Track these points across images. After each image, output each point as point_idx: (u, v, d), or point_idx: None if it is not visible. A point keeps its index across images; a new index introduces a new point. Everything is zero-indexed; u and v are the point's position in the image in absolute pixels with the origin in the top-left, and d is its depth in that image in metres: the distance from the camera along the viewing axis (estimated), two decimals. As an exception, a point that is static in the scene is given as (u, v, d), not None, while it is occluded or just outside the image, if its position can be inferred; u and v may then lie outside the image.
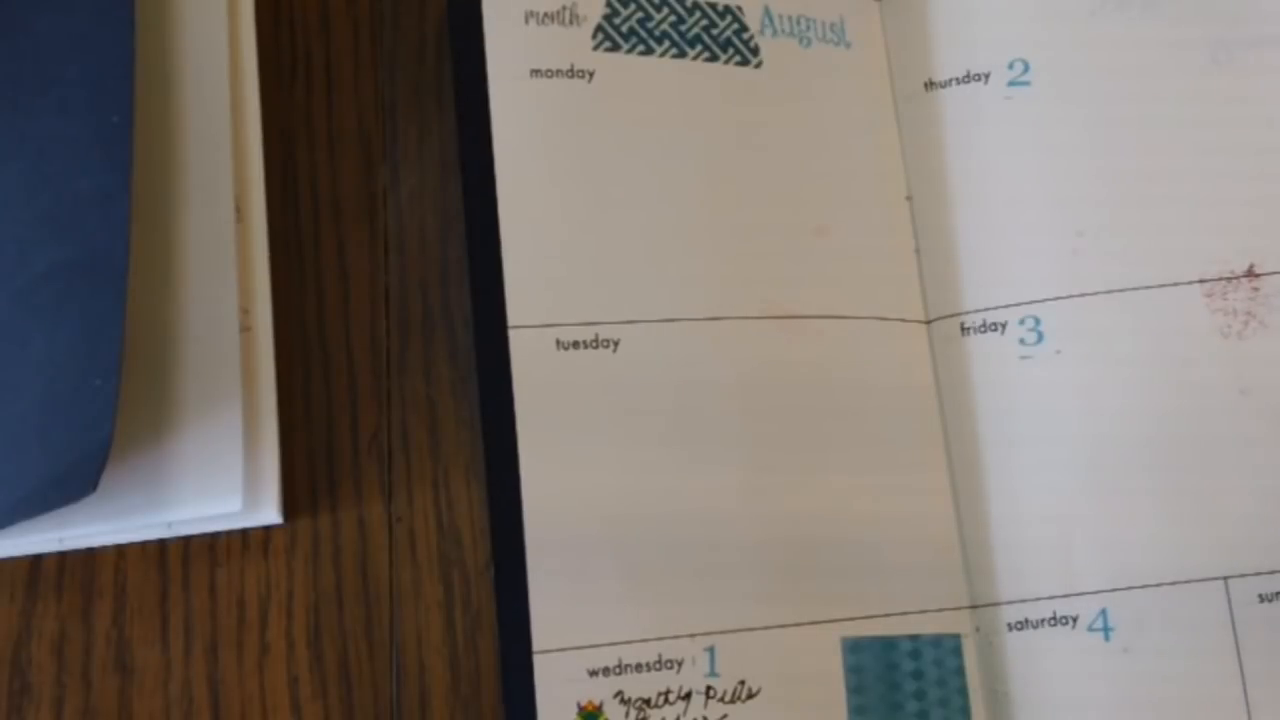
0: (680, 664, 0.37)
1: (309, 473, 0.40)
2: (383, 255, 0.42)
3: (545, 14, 0.41)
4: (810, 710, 0.38)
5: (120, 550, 0.39)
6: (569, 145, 0.41)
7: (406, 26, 0.44)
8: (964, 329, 0.41)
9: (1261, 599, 0.39)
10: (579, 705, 0.37)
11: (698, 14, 0.43)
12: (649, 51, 0.42)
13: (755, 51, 0.43)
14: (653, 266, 0.40)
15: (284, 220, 0.42)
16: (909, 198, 0.43)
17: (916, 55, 0.43)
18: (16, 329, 0.36)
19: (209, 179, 0.40)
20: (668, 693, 0.37)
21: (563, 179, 0.40)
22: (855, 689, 0.38)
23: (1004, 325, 0.41)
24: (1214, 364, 0.40)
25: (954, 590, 0.40)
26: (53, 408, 0.35)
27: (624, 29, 0.42)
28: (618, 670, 0.37)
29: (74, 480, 0.34)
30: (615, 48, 0.42)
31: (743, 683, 0.38)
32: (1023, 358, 0.40)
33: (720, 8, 0.43)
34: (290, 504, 0.39)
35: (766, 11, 0.43)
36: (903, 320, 0.42)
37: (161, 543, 0.39)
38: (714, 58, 0.42)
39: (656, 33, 0.42)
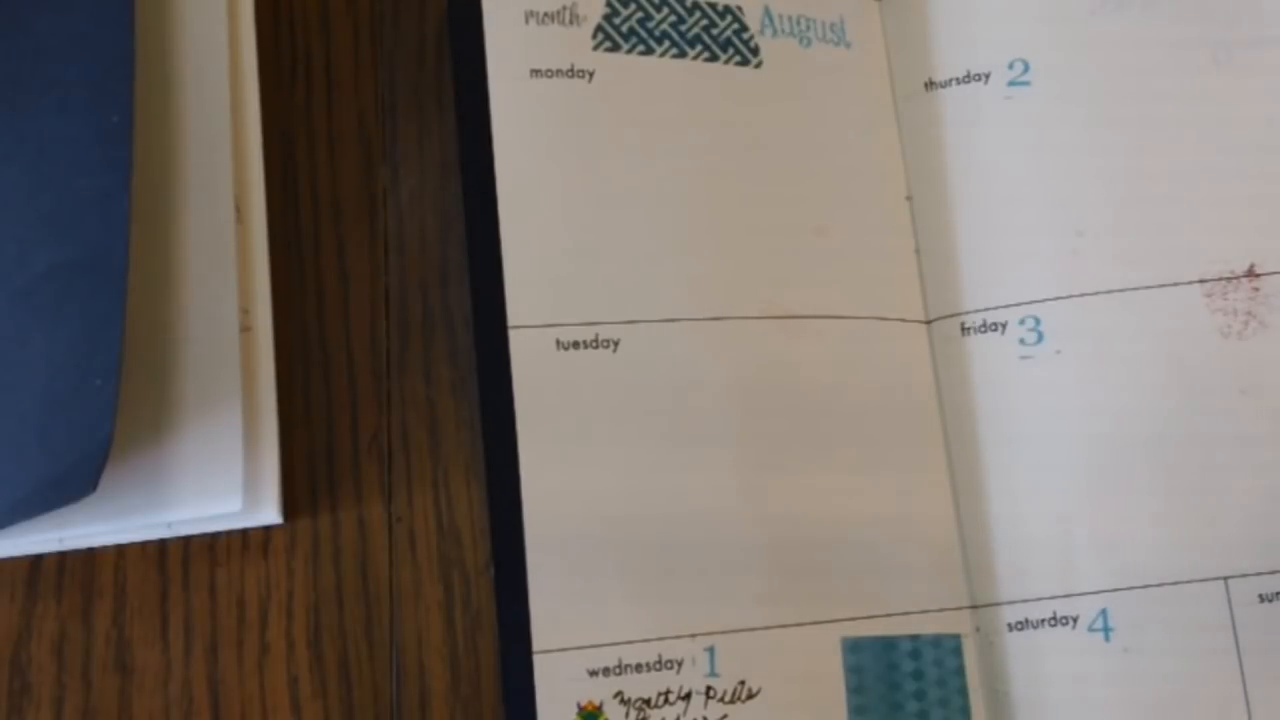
0: (680, 664, 0.37)
1: (309, 473, 0.40)
2: (383, 255, 0.42)
3: (545, 14, 0.41)
4: (810, 710, 0.38)
5: (120, 550, 0.39)
6: (569, 145, 0.41)
7: (406, 26, 0.44)
8: (964, 329, 0.41)
9: (1261, 599, 0.38)
10: (579, 705, 0.37)
11: (698, 14, 0.43)
12: (649, 51, 0.42)
13: (755, 51, 0.43)
14: (653, 266, 0.40)
15: (284, 220, 0.42)
16: (909, 198, 0.43)
17: (916, 55, 0.43)
18: (16, 329, 0.36)
19: (209, 179, 0.40)
20: (668, 693, 0.37)
21: (563, 179, 0.40)
22: (855, 689, 0.38)
23: (1004, 325, 0.41)
24: (1214, 364, 0.40)
25: (954, 590, 0.40)
26: (53, 408, 0.35)
27: (624, 29, 0.42)
28: (618, 670, 0.37)
29: (74, 480, 0.34)
30: (615, 48, 0.42)
31: (743, 683, 0.38)
32: (1023, 358, 0.40)
33: (720, 8, 0.43)
34: (290, 504, 0.39)
35: (766, 11, 0.43)
36: (903, 320, 0.42)
37: (161, 543, 0.39)
38: (714, 58, 0.42)
39: (656, 33, 0.42)
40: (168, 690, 0.38)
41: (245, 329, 0.39)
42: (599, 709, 0.37)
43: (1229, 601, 0.38)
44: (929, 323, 0.42)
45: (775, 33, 0.43)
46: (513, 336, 0.39)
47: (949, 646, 0.39)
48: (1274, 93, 0.42)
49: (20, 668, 0.37)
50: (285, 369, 0.40)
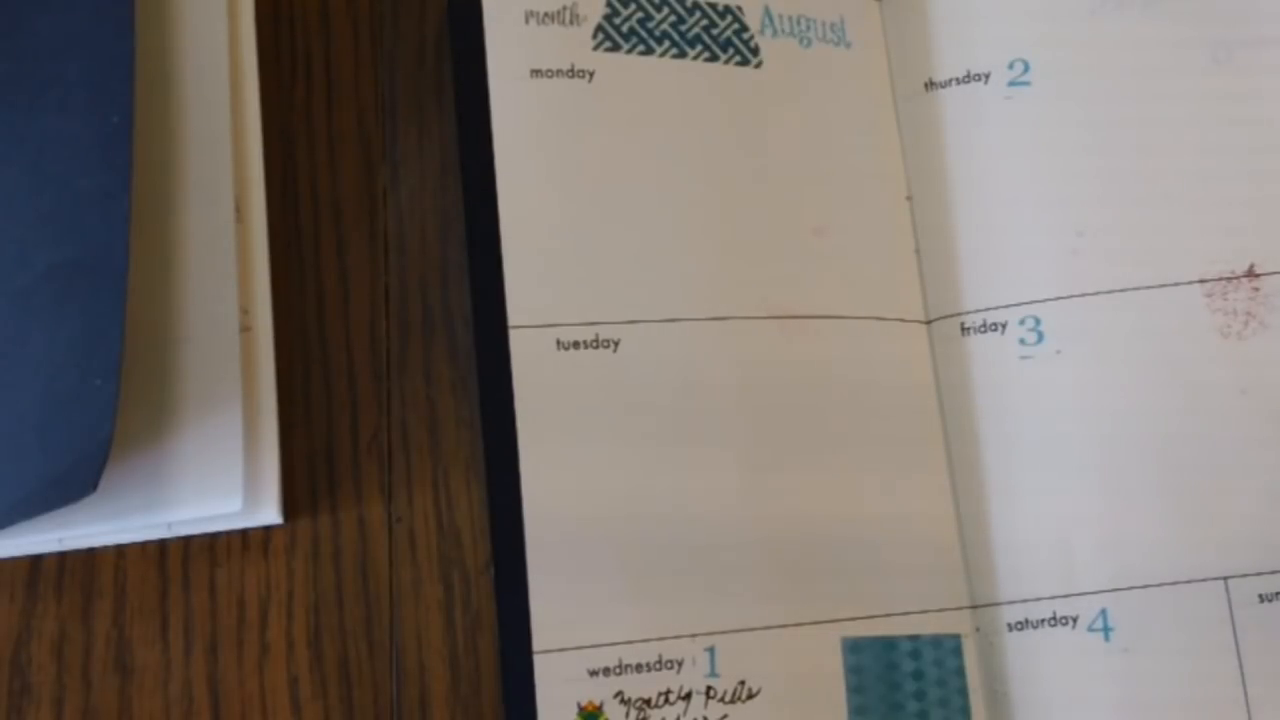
0: (680, 664, 0.37)
1: (309, 473, 0.40)
2: (383, 255, 0.42)
3: (545, 14, 0.41)
4: (810, 710, 0.38)
5: (120, 550, 0.39)
6: (569, 145, 0.41)
7: (406, 27, 0.44)
8: (964, 329, 0.41)
9: (1262, 599, 0.39)
10: (579, 705, 0.37)
11: (698, 14, 0.43)
12: (649, 51, 0.42)
13: (755, 51, 0.43)
14: (653, 266, 0.40)
15: (284, 220, 0.42)
16: (909, 198, 0.43)
17: (916, 55, 0.43)
18: (16, 329, 0.36)
19: (209, 179, 0.40)
20: (668, 693, 0.37)
21: (563, 179, 0.40)
22: (855, 689, 0.38)
23: (1004, 325, 0.41)
24: (1214, 364, 0.40)
25: (954, 590, 0.40)
26: (53, 408, 0.35)
27: (624, 29, 0.42)
28: (618, 670, 0.37)
29: (74, 480, 0.34)
30: (615, 48, 0.42)
31: (743, 683, 0.38)
32: (1023, 358, 0.40)
33: (720, 8, 0.43)
34: (290, 504, 0.39)
35: (766, 11, 0.43)
36: (903, 320, 0.42)
37: (161, 543, 0.39)
38: (714, 58, 0.42)
39: (656, 33, 0.42)
40: (168, 690, 0.38)
41: (245, 329, 0.39)
42: (599, 709, 0.37)
43: (1229, 601, 0.38)
44: (929, 323, 0.42)
45: (775, 33, 0.43)
46: (513, 336, 0.39)
47: (949, 646, 0.39)
48: (1274, 93, 0.42)
49: (20, 668, 0.37)
50: (285, 369, 0.40)
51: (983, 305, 0.41)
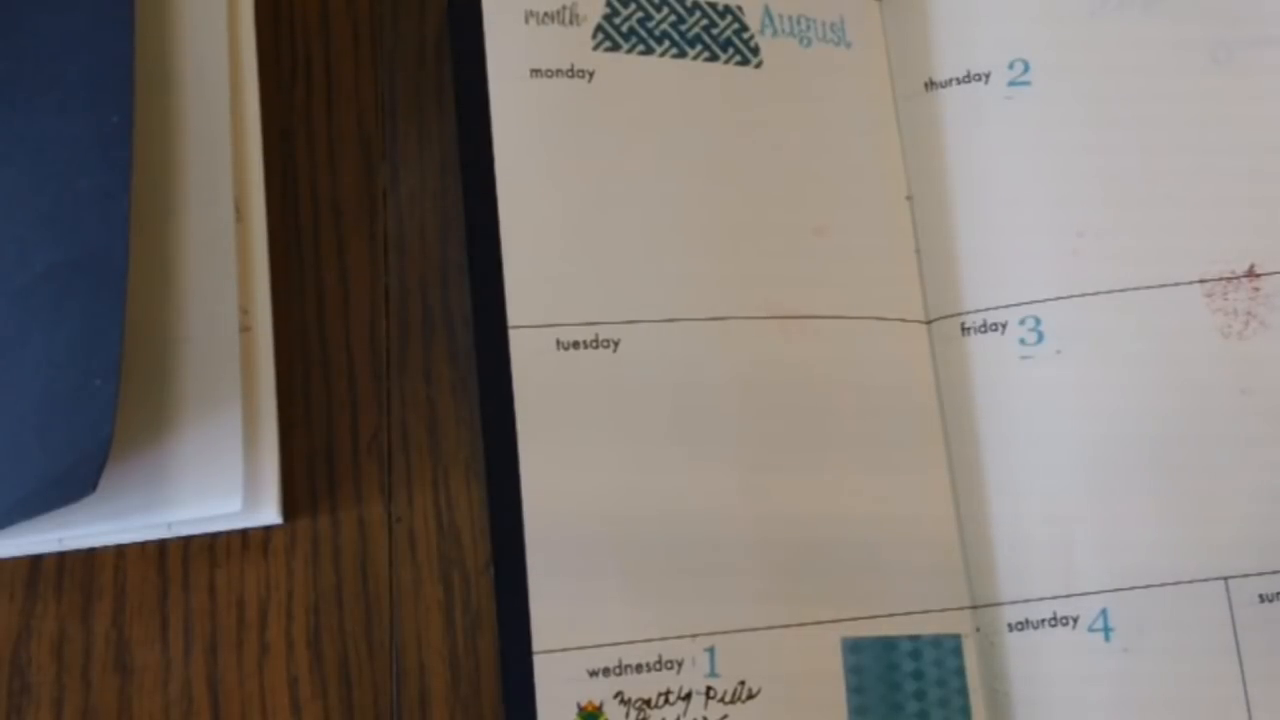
0: (680, 664, 0.37)
1: (309, 473, 0.40)
2: (383, 255, 0.42)
3: (545, 14, 0.41)
4: (810, 711, 0.38)
5: (120, 550, 0.39)
6: (569, 145, 0.41)
7: (406, 26, 0.44)
8: (964, 329, 0.41)
9: (1262, 599, 0.38)
10: (579, 705, 0.37)
11: (698, 14, 0.43)
12: (649, 51, 0.42)
13: (755, 51, 0.43)
14: (653, 266, 0.40)
15: (284, 220, 0.42)
16: (909, 198, 0.43)
17: (917, 55, 0.43)
18: (16, 329, 0.36)
19: (209, 179, 0.40)
20: (668, 693, 0.37)
21: (563, 179, 0.40)
22: (855, 689, 0.38)
23: (1004, 325, 0.41)
24: (1215, 364, 0.40)
25: (954, 590, 0.40)
26: (53, 408, 0.35)
27: (624, 29, 0.42)
28: (618, 670, 0.37)
29: (74, 480, 0.34)
30: (615, 48, 0.42)
31: (743, 683, 0.37)
32: (1023, 358, 0.40)
33: (720, 7, 0.43)
34: (290, 504, 0.39)
35: (766, 11, 0.43)
36: (903, 320, 0.42)
37: (161, 543, 0.39)
38: (714, 58, 0.42)
39: (656, 32, 0.42)
40: (167, 690, 0.38)
41: (245, 329, 0.39)
42: (599, 709, 0.37)
43: (1229, 602, 0.38)
44: (929, 323, 0.42)
45: (775, 33, 0.43)
46: (513, 336, 0.39)
47: (949, 646, 0.39)
48: (1274, 93, 0.42)
49: (20, 668, 0.37)
50: (285, 369, 0.40)
51: (983, 305, 0.41)
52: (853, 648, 0.38)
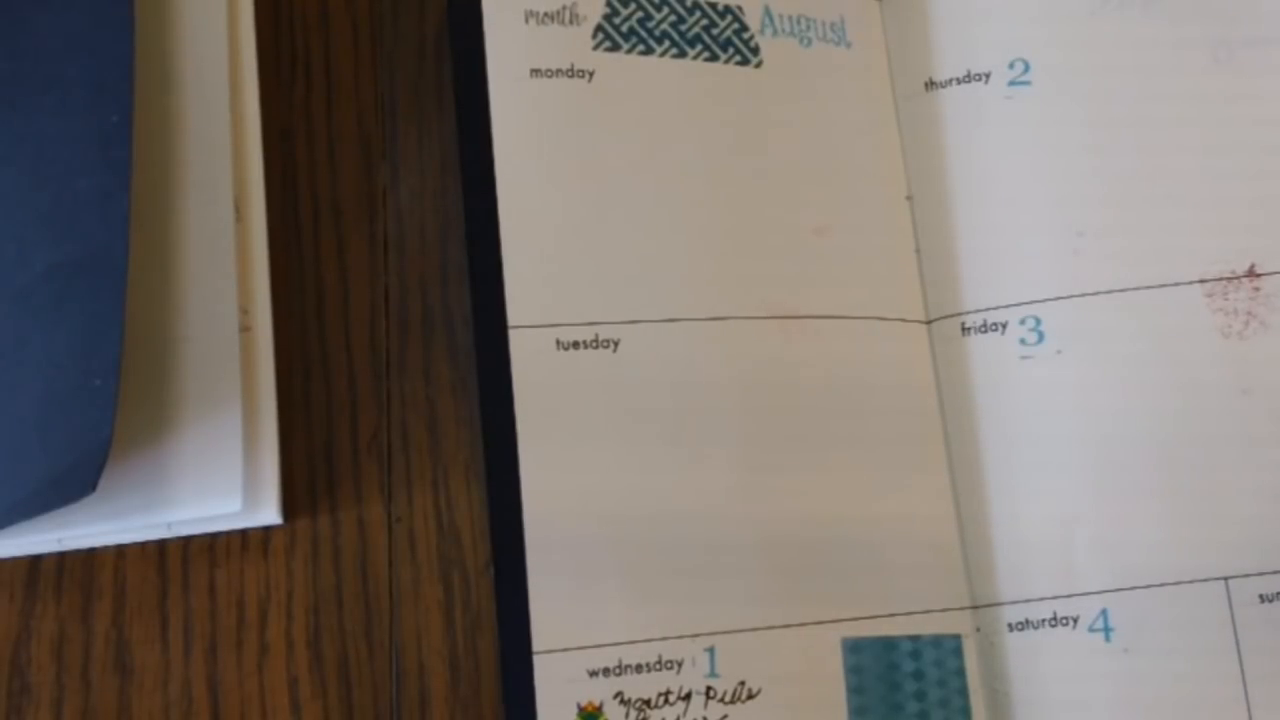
0: (680, 664, 0.37)
1: (309, 473, 0.40)
2: (383, 255, 0.42)
3: (545, 14, 0.41)
4: (810, 711, 0.38)
5: (120, 550, 0.39)
6: (569, 145, 0.41)
7: (406, 26, 0.44)
8: (964, 329, 0.41)
9: (1262, 599, 0.38)
10: (579, 706, 0.37)
11: (698, 14, 0.43)
12: (649, 51, 0.42)
13: (755, 51, 0.43)
14: (653, 266, 0.40)
15: (284, 220, 0.42)
16: (909, 198, 0.43)
17: (917, 55, 0.43)
18: (16, 329, 0.36)
19: (209, 179, 0.40)
20: (668, 693, 0.37)
21: (563, 179, 0.40)
22: (855, 689, 0.38)
23: (1004, 325, 0.41)
24: (1215, 364, 0.40)
25: (954, 590, 0.40)
26: (52, 408, 0.35)
27: (624, 29, 0.42)
28: (618, 671, 0.37)
29: (74, 480, 0.34)
30: (615, 47, 0.42)
31: (743, 683, 0.37)
32: (1023, 358, 0.40)
33: (720, 7, 0.43)
34: (290, 504, 0.39)
35: (766, 11, 0.43)
36: (903, 320, 0.42)
37: (161, 543, 0.39)
38: (714, 58, 0.42)
39: (656, 32, 0.42)
40: (167, 690, 0.38)
41: (245, 329, 0.39)
42: (599, 709, 0.37)
43: (1230, 602, 0.38)
44: (929, 323, 0.42)
45: (775, 32, 0.43)
46: (513, 336, 0.39)
47: (949, 647, 0.39)
48: (1274, 93, 0.42)
49: (20, 668, 0.37)
50: (285, 369, 0.40)
51: (983, 305, 0.41)
52: (853, 648, 0.38)
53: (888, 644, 0.39)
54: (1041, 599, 0.39)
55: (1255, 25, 0.42)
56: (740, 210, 0.41)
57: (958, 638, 0.39)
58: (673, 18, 0.42)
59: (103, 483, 0.34)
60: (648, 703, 0.37)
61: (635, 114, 0.41)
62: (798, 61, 0.43)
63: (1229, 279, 0.41)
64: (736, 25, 0.43)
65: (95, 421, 0.34)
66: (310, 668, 0.38)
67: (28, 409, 0.35)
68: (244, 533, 0.39)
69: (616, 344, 0.39)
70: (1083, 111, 0.42)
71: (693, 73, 0.42)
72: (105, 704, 0.37)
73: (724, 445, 0.39)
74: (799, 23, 0.43)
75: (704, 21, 0.42)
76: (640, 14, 0.42)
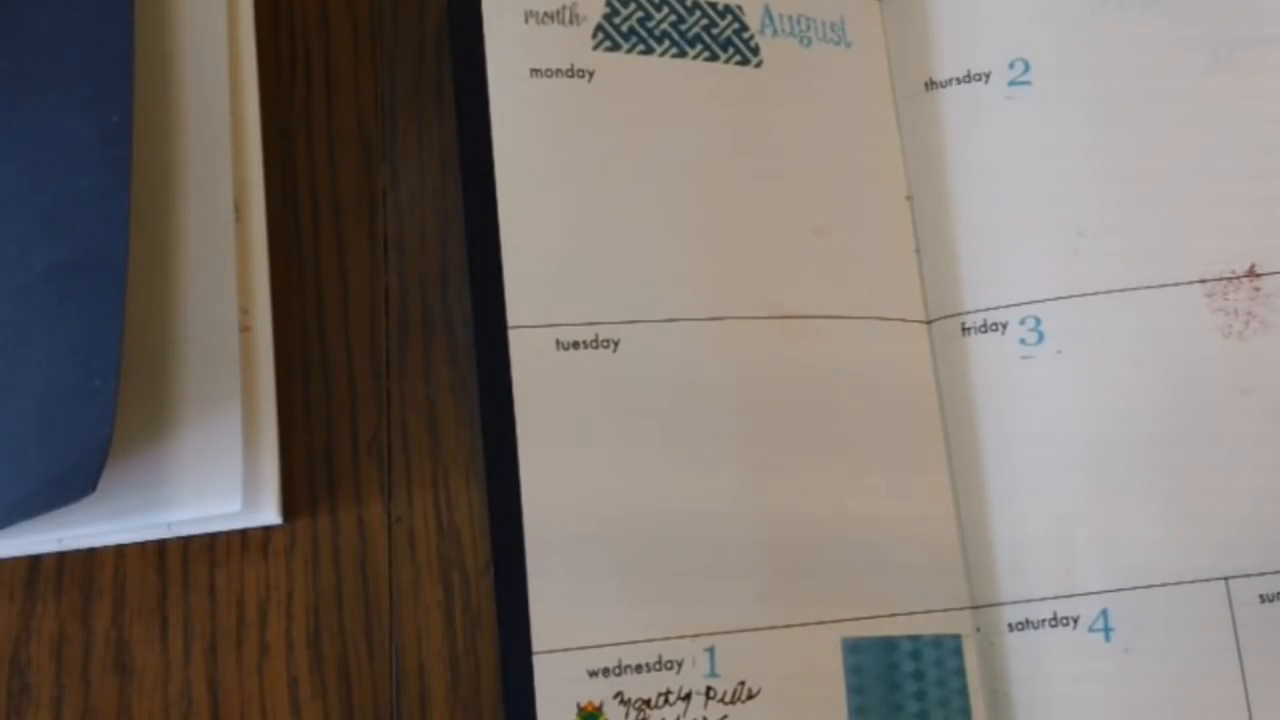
0: (680, 664, 0.37)
1: (308, 473, 0.40)
2: (383, 255, 0.42)
3: (545, 13, 0.41)
4: (810, 711, 0.38)
5: (119, 550, 0.39)
6: (569, 145, 0.41)
7: (406, 26, 0.44)
8: (964, 329, 0.41)
9: (1263, 599, 0.38)
10: (579, 706, 0.37)
11: (698, 13, 0.43)
12: (649, 51, 0.42)
13: (755, 51, 0.43)
14: (653, 266, 0.40)
15: (284, 220, 0.42)
16: (909, 198, 0.43)
17: (917, 55, 0.43)
18: (16, 329, 0.36)
19: (209, 179, 0.40)
20: (668, 693, 0.37)
21: (563, 179, 0.40)
22: (855, 689, 0.38)
23: (1004, 325, 0.41)
24: (1215, 364, 0.40)
25: (954, 590, 0.39)
26: (52, 408, 0.35)
27: (624, 28, 0.42)
28: (617, 671, 0.37)
29: (74, 480, 0.34)
30: (615, 47, 0.42)
31: (743, 683, 0.37)
32: (1023, 358, 0.40)
33: (720, 7, 0.43)
34: (290, 504, 0.39)
35: (767, 11, 0.43)
36: (903, 320, 0.42)
37: (161, 543, 0.39)
38: (714, 57, 0.42)
39: (656, 32, 0.42)
40: (167, 690, 0.38)
41: (245, 329, 0.39)
42: (599, 709, 0.37)
43: (1230, 602, 0.38)
44: (929, 323, 0.42)
45: (775, 32, 0.43)
46: (513, 336, 0.39)
47: (949, 647, 0.39)
48: (1274, 93, 0.42)
49: (20, 668, 0.37)
50: (285, 369, 0.40)
51: (983, 305, 0.41)
52: (853, 648, 0.38)
53: (888, 644, 0.39)
54: (1041, 599, 0.39)
55: (1255, 25, 0.42)
56: (740, 210, 0.41)
57: (958, 638, 0.39)
58: (673, 17, 0.42)
59: (103, 483, 0.34)
60: (648, 703, 0.37)
61: (635, 114, 0.41)
62: (798, 61, 0.43)
63: (1229, 279, 0.41)
64: (736, 25, 0.43)
65: (95, 421, 0.34)
66: (310, 668, 0.38)
67: (28, 409, 0.35)
68: (244, 533, 0.39)
69: (616, 344, 0.39)
70: (1083, 111, 0.42)
71: (693, 73, 0.42)
72: (105, 704, 0.37)
73: (724, 445, 0.39)
74: (799, 23, 0.43)
75: (704, 21, 0.42)
76: (640, 14, 0.42)
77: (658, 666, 0.37)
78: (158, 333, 0.38)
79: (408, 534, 0.40)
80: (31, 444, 0.35)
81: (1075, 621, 0.39)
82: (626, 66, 0.42)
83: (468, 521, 0.40)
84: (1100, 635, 0.38)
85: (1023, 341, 0.40)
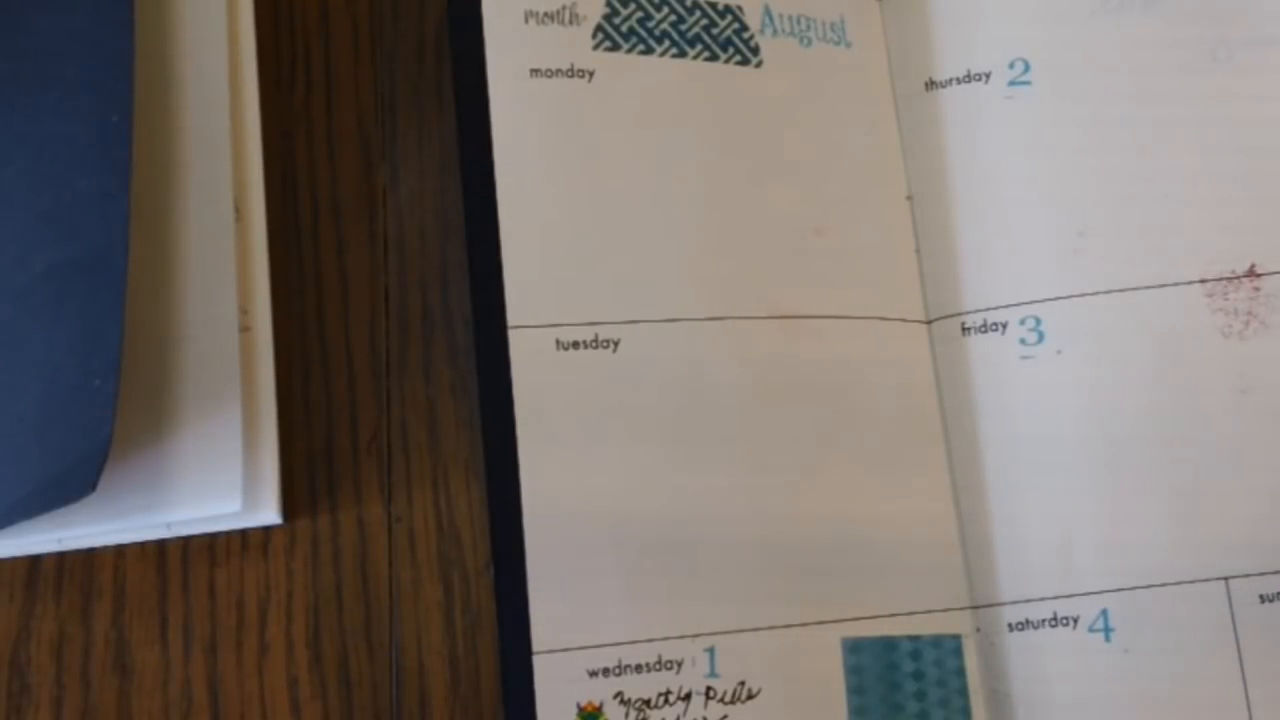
0: (680, 664, 0.37)
1: (308, 473, 0.40)
2: (383, 255, 0.42)
3: (545, 14, 0.41)
4: (810, 711, 0.38)
5: (119, 550, 0.39)
6: (569, 145, 0.41)
7: (406, 26, 0.44)
8: (964, 329, 0.41)
9: (1262, 599, 0.38)
10: (579, 706, 0.37)
11: (698, 13, 0.43)
12: (649, 51, 0.42)
13: (755, 51, 0.43)
14: (653, 266, 0.40)
15: (284, 220, 0.42)
16: (909, 198, 0.43)
17: (917, 55, 0.43)
18: (16, 329, 0.36)
19: (209, 179, 0.40)
20: (668, 693, 0.37)
21: (563, 179, 0.40)
22: (855, 689, 0.38)
23: (1005, 325, 0.41)
24: (1215, 364, 0.40)
25: (954, 590, 0.39)
26: (52, 408, 0.35)
27: (624, 29, 0.42)
28: (617, 671, 0.37)
29: (73, 480, 0.34)
30: (615, 47, 0.42)
31: (743, 683, 0.37)
32: (1023, 358, 0.40)
33: (720, 7, 0.43)
34: (289, 504, 0.39)
35: (767, 11, 0.43)
36: (903, 320, 0.42)
37: (161, 543, 0.39)
38: (714, 57, 0.42)
39: (656, 32, 0.42)
40: (167, 690, 0.38)
41: (245, 329, 0.39)
42: (599, 709, 0.37)
43: (1229, 602, 0.38)
44: (929, 323, 0.42)
45: (775, 32, 0.43)
46: (513, 336, 0.39)
47: (949, 647, 0.39)
48: (1274, 93, 0.42)
49: (19, 668, 0.37)
50: (285, 369, 0.40)
51: (983, 305, 0.41)
52: (853, 648, 0.38)
53: (888, 644, 0.39)
54: (1041, 599, 0.39)
55: (1255, 25, 0.42)
56: (740, 210, 0.41)
57: (958, 638, 0.39)
58: (673, 17, 0.42)
59: (103, 483, 0.34)
60: (648, 703, 0.37)
61: (635, 114, 0.41)
62: (798, 61, 0.43)
63: (1229, 279, 0.41)
64: (736, 25, 0.43)
65: (95, 421, 0.34)
66: (310, 668, 0.38)
67: (27, 409, 0.35)
68: (244, 533, 0.39)
69: (616, 344, 0.39)
70: (1083, 111, 0.42)
71: (693, 73, 0.42)
72: (105, 704, 0.37)
73: (724, 445, 0.39)
74: (799, 22, 0.43)
75: (704, 21, 0.42)
76: (640, 14, 0.42)
77: (657, 666, 0.37)
78: (158, 333, 0.38)
79: (408, 534, 0.40)
80: (31, 444, 0.35)
81: (1075, 621, 0.39)
82: (626, 66, 0.42)
83: (468, 521, 0.40)
84: (1100, 635, 0.38)
85: (1023, 341, 0.40)
